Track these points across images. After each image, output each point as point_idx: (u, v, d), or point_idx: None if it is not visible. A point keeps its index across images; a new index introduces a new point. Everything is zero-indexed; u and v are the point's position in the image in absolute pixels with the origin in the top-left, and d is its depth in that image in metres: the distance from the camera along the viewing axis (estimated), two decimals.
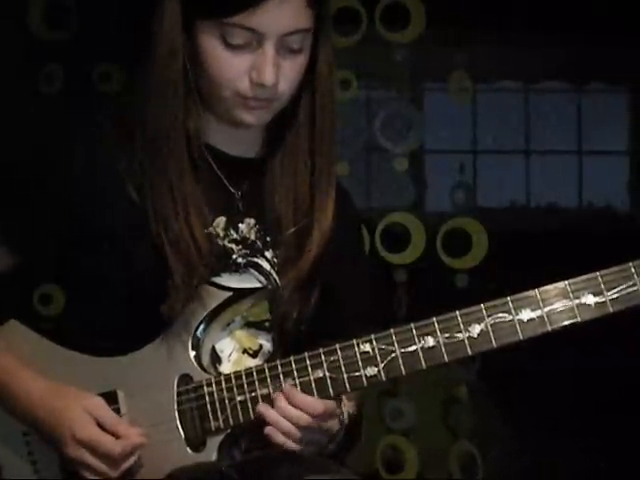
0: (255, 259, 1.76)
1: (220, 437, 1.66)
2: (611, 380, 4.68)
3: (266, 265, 1.76)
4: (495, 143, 8.04)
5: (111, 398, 1.68)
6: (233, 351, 1.75)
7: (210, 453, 1.66)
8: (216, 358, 1.74)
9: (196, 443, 1.66)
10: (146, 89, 1.71)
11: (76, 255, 1.73)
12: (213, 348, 1.73)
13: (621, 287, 1.59)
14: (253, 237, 1.76)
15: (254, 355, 1.76)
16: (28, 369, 1.69)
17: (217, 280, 1.72)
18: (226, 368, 1.73)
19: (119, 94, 3.57)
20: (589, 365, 4.86)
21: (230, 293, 1.70)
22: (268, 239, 1.77)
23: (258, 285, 1.74)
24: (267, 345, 1.77)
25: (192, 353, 1.68)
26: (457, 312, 1.62)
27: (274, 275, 1.75)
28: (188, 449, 1.66)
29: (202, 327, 1.69)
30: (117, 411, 1.67)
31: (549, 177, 8.05)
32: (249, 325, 1.76)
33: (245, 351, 1.75)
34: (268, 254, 1.77)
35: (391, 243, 3.56)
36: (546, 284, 1.63)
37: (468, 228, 3.59)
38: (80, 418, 1.61)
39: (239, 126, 1.75)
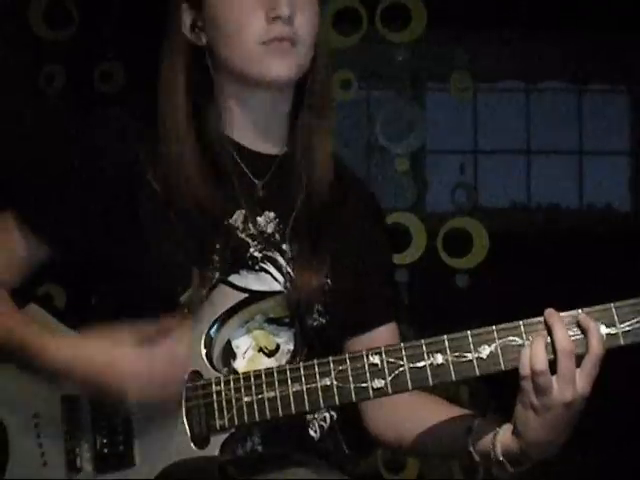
0: (270, 253, 1.77)
1: (224, 436, 1.66)
2: (610, 382, 4.67)
3: (281, 259, 1.77)
4: (496, 143, 8.04)
5: None
6: (249, 348, 1.76)
7: (213, 450, 1.66)
8: (231, 354, 1.74)
9: (200, 440, 1.66)
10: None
11: (100, 247, 1.75)
12: (229, 344, 1.74)
13: (634, 320, 1.58)
14: (271, 230, 1.78)
15: (270, 355, 1.77)
16: (53, 334, 1.71)
17: (234, 279, 1.74)
18: (240, 365, 1.74)
19: (120, 93, 3.57)
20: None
21: (246, 295, 1.72)
22: (287, 232, 1.79)
23: (275, 288, 1.76)
24: (286, 345, 1.78)
25: (204, 351, 1.69)
26: (468, 332, 1.61)
27: (289, 269, 1.77)
28: (192, 445, 1.66)
29: (216, 326, 1.70)
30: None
31: (550, 177, 8.05)
32: (270, 322, 1.77)
33: (261, 349, 1.77)
34: (285, 246, 1.78)
35: (392, 243, 3.56)
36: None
37: (469, 228, 3.59)
38: (127, 354, 1.62)
39: (268, 86, 1.76)
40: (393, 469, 3.57)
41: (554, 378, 1.57)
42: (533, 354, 1.57)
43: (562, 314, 1.59)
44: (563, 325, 1.58)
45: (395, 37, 3.59)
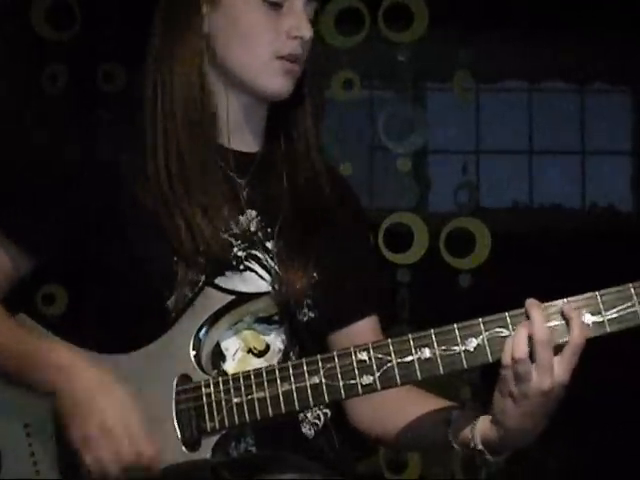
0: (254, 251, 1.78)
1: (215, 438, 1.67)
2: (608, 380, 4.68)
3: (265, 257, 1.77)
4: (499, 143, 8.04)
5: None
6: (238, 350, 1.76)
7: (205, 453, 1.67)
8: (221, 356, 1.75)
9: (192, 442, 1.67)
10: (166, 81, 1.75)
11: (85, 253, 1.75)
12: (218, 346, 1.74)
13: (620, 307, 1.59)
14: (254, 228, 1.78)
15: (259, 355, 1.77)
16: (54, 340, 1.71)
17: (220, 282, 1.74)
18: (230, 366, 1.74)
19: (123, 93, 3.58)
20: (588, 365, 4.86)
21: (233, 297, 1.72)
22: (269, 230, 1.79)
23: (261, 287, 1.76)
24: (276, 344, 1.78)
25: (192, 354, 1.69)
26: (455, 325, 1.62)
27: (274, 266, 1.77)
28: (184, 448, 1.66)
29: (204, 329, 1.71)
30: None
31: (553, 177, 8.05)
32: (259, 321, 1.77)
33: (250, 350, 1.77)
34: (269, 244, 1.79)
35: (394, 243, 3.57)
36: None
37: (471, 228, 3.59)
38: (114, 409, 1.62)
39: (263, 99, 1.79)
40: (395, 469, 3.57)
41: (533, 366, 1.58)
42: (515, 342, 1.58)
43: (546, 304, 1.60)
44: (541, 315, 1.58)
45: (397, 37, 3.60)
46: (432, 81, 7.38)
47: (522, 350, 1.58)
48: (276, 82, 1.76)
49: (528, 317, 1.59)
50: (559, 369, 1.58)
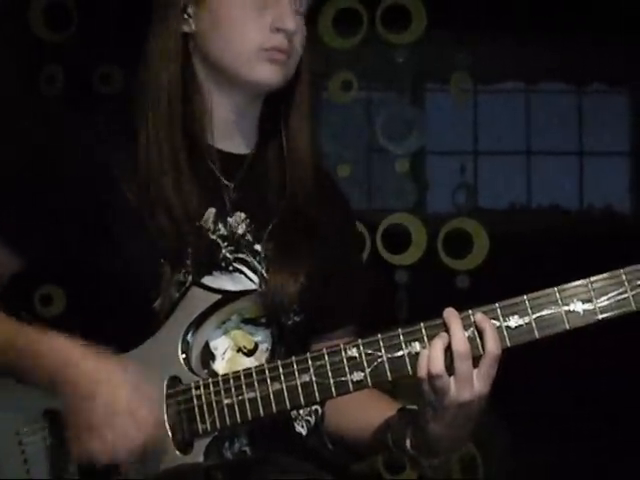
0: (242, 255, 1.78)
1: (207, 439, 1.66)
2: (606, 380, 4.68)
3: (253, 261, 1.78)
4: (496, 144, 8.05)
5: None
6: (227, 349, 1.75)
7: (197, 455, 1.66)
8: (210, 356, 1.74)
9: (183, 445, 1.66)
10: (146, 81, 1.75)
11: (72, 254, 1.75)
12: (207, 346, 1.74)
13: (611, 294, 1.57)
14: (242, 231, 1.78)
15: (249, 354, 1.77)
16: (54, 333, 1.69)
17: (208, 281, 1.73)
18: (220, 366, 1.74)
19: (119, 95, 3.58)
20: (586, 365, 4.87)
21: (219, 296, 1.71)
22: (258, 232, 1.79)
23: (249, 287, 1.76)
24: (264, 343, 1.78)
25: (182, 355, 1.68)
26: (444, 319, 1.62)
27: (262, 270, 1.77)
28: (176, 451, 1.65)
29: (192, 330, 1.70)
30: None
31: (550, 178, 8.07)
32: (246, 322, 1.77)
33: (240, 350, 1.77)
34: (258, 247, 1.79)
35: (392, 244, 3.57)
36: (546, 285, 1.62)
37: (469, 229, 3.59)
38: (118, 396, 1.59)
39: (255, 93, 1.78)
40: (393, 470, 3.57)
41: (452, 379, 1.57)
42: (431, 357, 1.57)
43: (462, 314, 1.58)
44: (460, 327, 1.57)
45: (395, 38, 3.59)
46: (430, 82, 7.40)
47: (438, 365, 1.57)
48: (263, 70, 1.74)
49: (445, 327, 1.58)
50: (477, 381, 1.57)
